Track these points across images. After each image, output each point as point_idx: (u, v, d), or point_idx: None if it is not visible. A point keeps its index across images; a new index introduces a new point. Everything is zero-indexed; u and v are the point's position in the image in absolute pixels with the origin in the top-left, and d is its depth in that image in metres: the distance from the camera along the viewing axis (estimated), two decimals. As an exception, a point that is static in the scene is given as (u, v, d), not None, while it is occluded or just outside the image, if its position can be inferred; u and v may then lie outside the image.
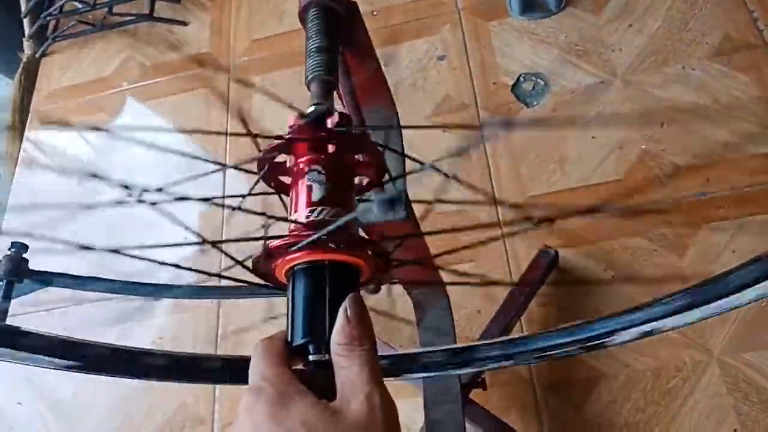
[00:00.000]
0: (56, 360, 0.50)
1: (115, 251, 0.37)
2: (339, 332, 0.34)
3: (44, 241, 0.39)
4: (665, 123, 1.26)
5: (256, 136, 0.39)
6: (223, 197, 0.40)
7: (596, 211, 0.30)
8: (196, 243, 0.38)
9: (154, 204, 0.35)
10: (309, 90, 0.46)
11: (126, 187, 0.34)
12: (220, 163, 0.43)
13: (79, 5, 1.77)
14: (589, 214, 0.29)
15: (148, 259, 0.38)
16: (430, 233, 0.37)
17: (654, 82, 1.31)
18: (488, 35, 1.48)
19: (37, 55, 1.88)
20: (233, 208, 0.40)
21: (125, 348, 0.54)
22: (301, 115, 0.40)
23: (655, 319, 0.39)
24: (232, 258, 0.38)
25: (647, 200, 1.10)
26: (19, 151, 1.74)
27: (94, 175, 0.31)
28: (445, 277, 0.79)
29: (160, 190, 0.35)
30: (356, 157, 0.42)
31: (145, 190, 0.35)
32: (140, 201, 0.34)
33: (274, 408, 0.31)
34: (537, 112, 1.35)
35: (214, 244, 0.38)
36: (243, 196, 0.42)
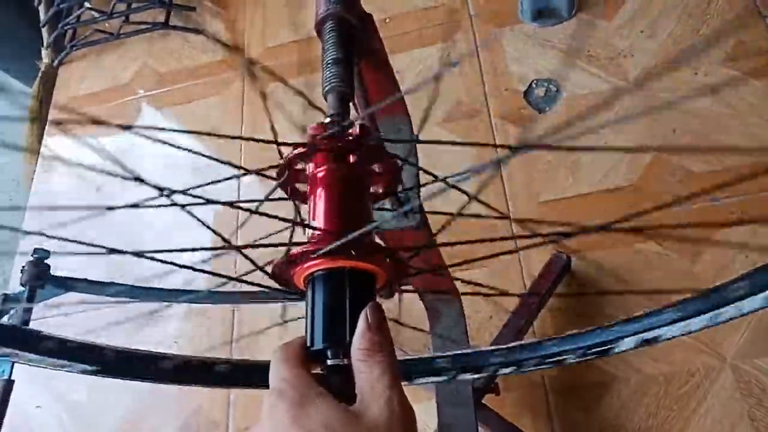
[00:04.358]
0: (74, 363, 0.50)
1: (138, 254, 0.38)
2: (360, 338, 0.34)
3: (68, 244, 0.40)
4: (677, 129, 1.26)
5: (279, 143, 0.40)
6: (239, 201, 0.41)
7: (606, 228, 0.31)
8: (220, 248, 0.39)
9: (183, 206, 0.36)
10: (326, 101, 0.48)
11: (160, 189, 0.35)
12: (241, 168, 0.44)
13: (97, 15, 1.80)
14: (602, 231, 0.30)
15: (171, 263, 0.39)
16: (444, 245, 0.38)
17: (666, 87, 1.32)
18: (500, 41, 1.49)
19: (55, 64, 1.91)
20: (251, 212, 0.41)
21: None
22: (325, 125, 0.42)
23: (656, 327, 0.40)
24: (254, 263, 0.39)
25: (659, 209, 1.10)
26: (38, 157, 1.78)
27: (139, 179, 0.32)
28: (459, 285, 0.80)
29: (185, 192, 0.36)
30: (372, 166, 0.43)
31: (173, 192, 0.36)
32: (173, 204, 0.35)
33: (296, 410, 0.32)
34: (549, 117, 1.36)
35: (238, 248, 0.39)
36: (260, 201, 0.43)
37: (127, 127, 0.35)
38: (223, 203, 0.40)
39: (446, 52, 1.53)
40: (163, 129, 0.37)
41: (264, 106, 0.36)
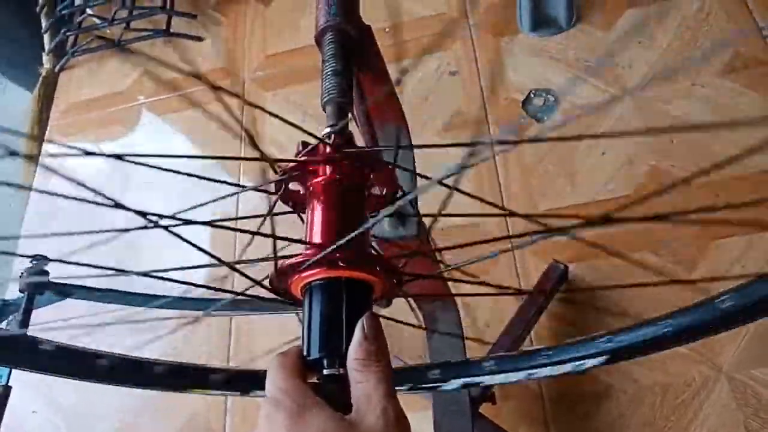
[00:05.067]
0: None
1: (135, 273, 0.39)
2: (356, 348, 0.35)
3: (66, 264, 0.40)
4: (675, 139, 1.27)
5: (272, 161, 0.41)
6: (236, 219, 0.42)
7: (606, 221, 0.31)
8: (213, 265, 0.39)
9: (167, 228, 0.36)
10: (325, 111, 0.48)
11: (143, 214, 0.36)
12: (238, 185, 0.45)
13: (98, 21, 1.81)
14: (599, 225, 0.31)
15: (171, 279, 0.40)
16: (440, 249, 0.39)
17: (664, 98, 1.32)
18: (499, 51, 1.50)
19: (56, 70, 1.92)
20: (252, 233, 0.41)
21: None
22: (320, 139, 0.42)
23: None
24: (251, 278, 0.40)
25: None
26: (37, 163, 1.78)
27: (119, 205, 0.32)
28: (454, 289, 0.80)
29: (173, 217, 0.37)
30: (369, 175, 0.44)
31: (161, 216, 0.36)
32: (158, 226, 0.35)
33: (292, 419, 0.32)
34: (547, 127, 1.37)
35: (230, 265, 0.40)
36: (263, 217, 0.43)
37: (118, 156, 0.36)
38: (216, 224, 0.40)
39: (445, 62, 1.53)
40: (154, 155, 0.37)
41: (242, 129, 0.37)
